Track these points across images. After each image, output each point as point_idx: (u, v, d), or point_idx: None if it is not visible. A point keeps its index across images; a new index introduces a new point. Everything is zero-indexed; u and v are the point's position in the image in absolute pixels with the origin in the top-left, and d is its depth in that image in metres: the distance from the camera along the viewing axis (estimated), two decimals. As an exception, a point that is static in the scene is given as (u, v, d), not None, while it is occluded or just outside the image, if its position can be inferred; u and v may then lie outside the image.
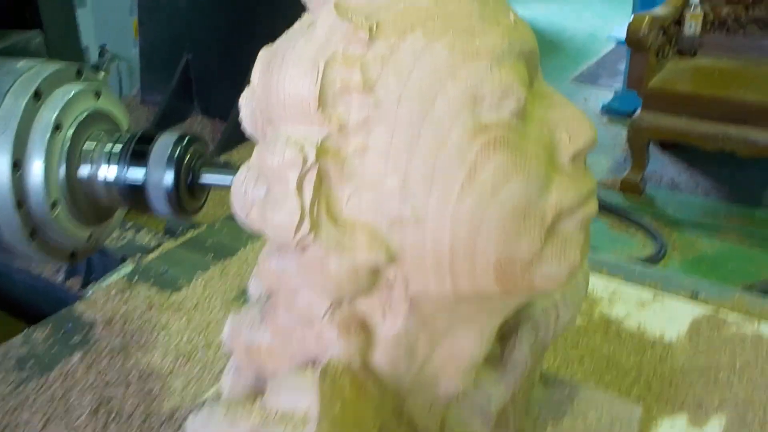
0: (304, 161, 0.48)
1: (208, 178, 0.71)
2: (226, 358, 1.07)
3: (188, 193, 0.71)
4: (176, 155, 0.69)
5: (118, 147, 0.72)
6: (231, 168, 0.72)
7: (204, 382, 1.02)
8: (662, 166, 3.25)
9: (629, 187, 3.12)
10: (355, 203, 0.50)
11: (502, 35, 0.48)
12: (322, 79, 0.48)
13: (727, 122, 2.75)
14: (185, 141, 0.70)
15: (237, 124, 2.10)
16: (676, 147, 3.27)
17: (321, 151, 0.48)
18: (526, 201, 0.49)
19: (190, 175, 0.70)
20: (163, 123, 2.56)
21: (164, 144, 0.70)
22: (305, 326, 0.55)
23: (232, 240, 1.33)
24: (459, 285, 0.50)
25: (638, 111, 3.02)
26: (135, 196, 0.71)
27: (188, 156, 0.70)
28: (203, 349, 1.08)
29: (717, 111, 2.76)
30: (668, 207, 3.00)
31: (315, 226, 0.49)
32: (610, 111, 4.11)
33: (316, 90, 0.48)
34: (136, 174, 0.70)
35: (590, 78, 4.87)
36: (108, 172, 0.72)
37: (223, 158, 2.33)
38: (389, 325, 0.53)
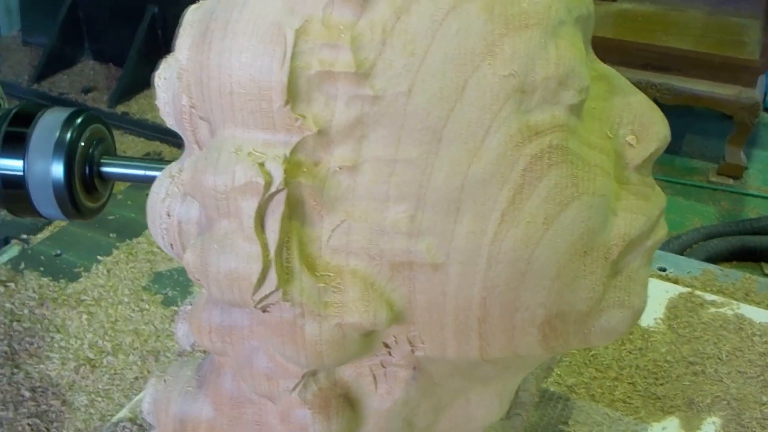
0: (267, 185, 0.31)
1: (112, 169, 0.53)
2: (140, 361, 0.90)
3: (84, 189, 0.52)
4: (67, 139, 0.51)
5: None
6: (137, 158, 0.55)
7: (114, 397, 0.85)
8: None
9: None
10: (342, 241, 0.34)
11: (558, -8, 0.33)
12: (291, 57, 0.31)
13: (650, 69, 2.68)
14: (78, 120, 0.52)
15: (134, 70, 1.83)
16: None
17: (291, 167, 0.32)
18: (587, 232, 0.34)
19: (87, 165, 0.52)
20: (48, 68, 2.27)
21: (49, 124, 0.51)
22: (263, 400, 0.39)
23: (140, 214, 1.14)
24: (489, 349, 0.36)
25: (561, 55, 2.92)
26: (11, 193, 0.52)
27: (83, 140, 0.51)
28: (111, 353, 0.91)
29: (640, 58, 2.68)
30: (590, 152, 2.93)
31: (284, 280, 0.33)
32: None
33: (282, 75, 0.31)
34: (11, 165, 0.51)
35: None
36: None
37: (119, 109, 2.07)
38: (384, 396, 0.39)
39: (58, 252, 1.08)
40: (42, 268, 1.04)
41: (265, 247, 0.32)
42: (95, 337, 0.94)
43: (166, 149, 2.02)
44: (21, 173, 0.51)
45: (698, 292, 0.99)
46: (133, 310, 0.98)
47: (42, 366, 0.89)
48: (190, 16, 0.34)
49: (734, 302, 0.97)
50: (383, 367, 0.38)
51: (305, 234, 0.34)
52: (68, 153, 0.50)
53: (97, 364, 0.90)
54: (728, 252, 2.04)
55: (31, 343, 0.93)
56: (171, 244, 0.40)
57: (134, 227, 1.13)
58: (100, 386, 0.87)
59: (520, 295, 0.34)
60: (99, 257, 1.07)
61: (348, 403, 0.38)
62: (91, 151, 0.52)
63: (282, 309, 0.34)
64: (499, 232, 0.33)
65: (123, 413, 0.79)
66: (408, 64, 0.31)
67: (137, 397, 0.82)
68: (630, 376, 0.85)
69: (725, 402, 0.82)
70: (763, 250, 2.09)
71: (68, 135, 0.51)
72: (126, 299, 1.00)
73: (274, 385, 0.37)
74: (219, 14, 0.32)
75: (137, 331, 0.95)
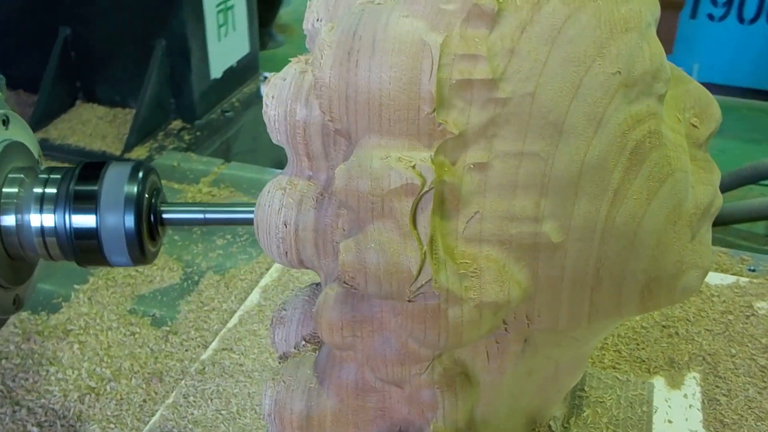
0: (422, 185, 0.35)
1: (173, 215, 0.56)
2: (144, 384, 0.90)
3: (149, 236, 0.55)
4: (135, 193, 0.54)
5: (53, 188, 0.56)
6: (191, 203, 0.58)
7: (127, 422, 0.85)
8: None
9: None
10: (476, 231, 0.38)
11: (643, -1, 0.38)
12: (437, 69, 0.35)
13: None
14: (140, 174, 0.55)
15: (50, 95, 1.78)
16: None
17: (436, 168, 0.36)
18: (678, 203, 0.40)
19: (152, 214, 0.55)
20: (-49, 98, 2.16)
21: (115, 180, 0.54)
22: (387, 387, 0.42)
23: (107, 240, 1.12)
24: (596, 315, 0.40)
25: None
26: (83, 245, 0.54)
27: (147, 192, 0.55)
28: (112, 380, 0.90)
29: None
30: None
31: (435, 270, 0.36)
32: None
33: (431, 86, 0.35)
34: (84, 220, 0.54)
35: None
36: (43, 220, 0.55)
37: (38, 136, 1.99)
38: (495, 370, 0.43)
39: (31, 285, 1.05)
40: (18, 303, 1.02)
41: (420, 241, 0.36)
42: (92, 365, 0.93)
43: (91, 174, 1.97)
44: (94, 227, 0.54)
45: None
46: (125, 334, 0.97)
47: (44, 400, 0.88)
48: (327, 37, 0.37)
49: (688, 268, 1.06)
50: (497, 343, 0.42)
51: (444, 227, 0.37)
52: (137, 206, 0.54)
53: (101, 392, 0.89)
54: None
55: (26, 379, 0.91)
56: (286, 252, 0.42)
57: (104, 253, 1.10)
58: (109, 413, 0.86)
59: (628, 264, 0.39)
60: (76, 286, 1.05)
61: (468, 379, 0.42)
62: (153, 201, 0.55)
63: (426, 297, 0.37)
64: (612, 209, 0.38)
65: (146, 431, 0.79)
66: (533, 68, 0.36)
67: (153, 419, 0.82)
68: (614, 344, 0.92)
69: (701, 358, 0.90)
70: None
71: (135, 189, 0.54)
72: (114, 324, 0.99)
73: (405, 371, 0.41)
74: (363, 34, 0.35)
75: (134, 355, 0.94)
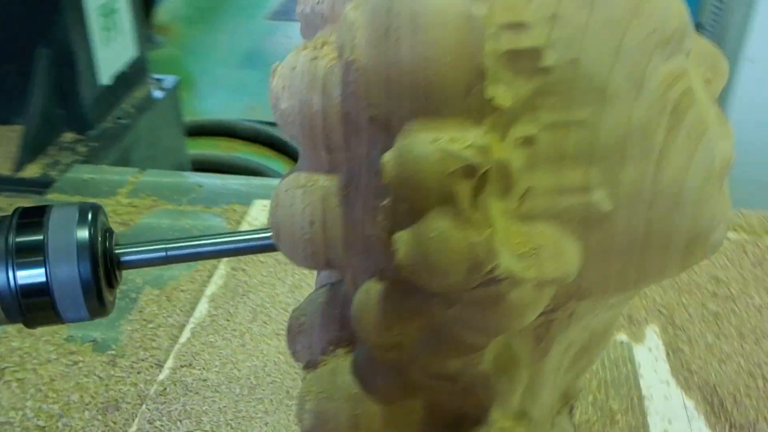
0: (479, 167, 0.33)
1: (131, 257, 0.49)
2: (100, 415, 0.84)
3: (107, 284, 0.49)
4: (87, 238, 0.47)
5: None
6: (149, 241, 0.51)
7: (88, 459, 0.79)
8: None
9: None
10: (528, 208, 0.36)
11: (665, -46, 0.37)
12: (484, 42, 0.33)
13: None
14: (89, 215, 0.48)
15: (38, 129, 1.61)
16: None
17: (490, 146, 0.34)
18: (711, 160, 0.39)
19: (108, 260, 0.48)
20: None
21: (62, 227, 0.47)
22: (435, 382, 0.40)
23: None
24: (644, 279, 0.40)
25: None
26: (32, 303, 0.47)
27: (99, 236, 0.48)
28: (63, 415, 0.84)
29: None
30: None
31: (497, 254, 0.34)
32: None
33: (479, 60, 0.32)
34: (32, 275, 0.46)
35: (287, 14, 4.59)
36: None
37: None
38: (543, 348, 0.41)
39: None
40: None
41: (482, 225, 0.34)
42: (36, 402, 0.86)
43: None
44: (44, 281, 0.47)
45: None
46: (66, 365, 0.90)
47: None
48: (354, 17, 0.34)
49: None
50: (545, 321, 0.41)
51: (499, 207, 0.35)
52: (91, 252, 0.47)
53: (53, 430, 0.82)
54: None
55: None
56: (313, 253, 0.39)
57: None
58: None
59: (674, 225, 0.39)
60: (0, 320, 0.97)
61: (517, 362, 0.41)
62: (108, 244, 0.49)
63: (488, 282, 0.35)
64: (658, 172, 0.37)
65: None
66: (575, 33, 0.34)
67: (119, 451, 0.77)
68: (573, 309, 0.93)
69: (657, 311, 0.93)
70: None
71: (87, 233, 0.47)
72: (53, 356, 0.91)
73: (457, 363, 0.39)
74: (401, 10, 0.33)
75: (81, 386, 0.88)
